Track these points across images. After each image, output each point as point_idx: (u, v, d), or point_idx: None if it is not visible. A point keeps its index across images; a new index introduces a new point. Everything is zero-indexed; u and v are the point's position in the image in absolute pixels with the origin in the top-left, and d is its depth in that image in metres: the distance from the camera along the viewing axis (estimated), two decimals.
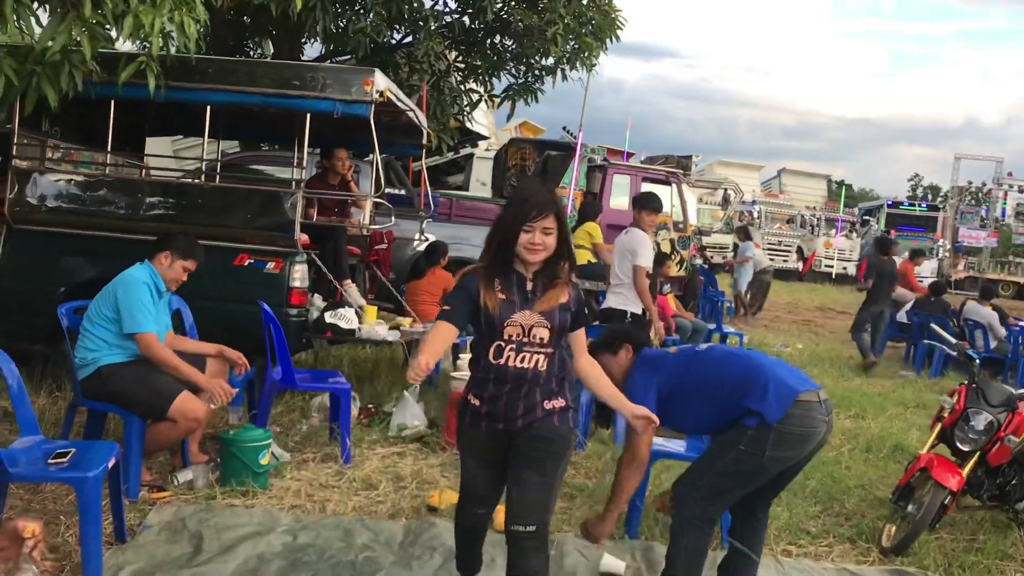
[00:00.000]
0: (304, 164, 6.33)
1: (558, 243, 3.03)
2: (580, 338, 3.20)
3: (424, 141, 7.67)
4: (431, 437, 5.58)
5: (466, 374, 5.61)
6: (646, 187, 14.22)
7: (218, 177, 7.06)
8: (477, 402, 3.11)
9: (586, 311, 3.22)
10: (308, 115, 5.91)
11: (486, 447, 3.15)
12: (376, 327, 6.23)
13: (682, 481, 3.64)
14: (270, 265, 5.81)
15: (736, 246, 17.37)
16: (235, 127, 7.73)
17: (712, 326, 11.03)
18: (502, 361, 3.01)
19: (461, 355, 6.21)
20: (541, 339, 3.01)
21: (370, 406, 6.09)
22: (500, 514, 4.35)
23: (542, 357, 3.02)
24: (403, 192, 9.29)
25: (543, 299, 3.04)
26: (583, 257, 10.13)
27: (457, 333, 3.01)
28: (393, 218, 7.23)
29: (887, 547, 4.55)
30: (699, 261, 17.04)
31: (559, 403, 3.09)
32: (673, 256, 12.89)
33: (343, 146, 7.34)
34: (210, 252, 5.07)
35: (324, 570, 3.72)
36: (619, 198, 13.71)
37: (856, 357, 11.33)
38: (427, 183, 8.03)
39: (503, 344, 3.01)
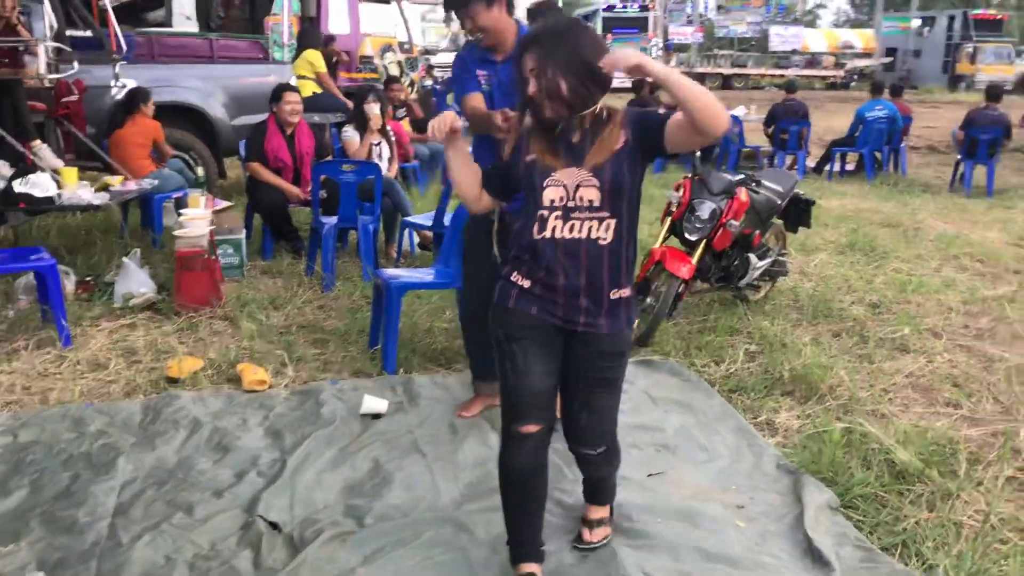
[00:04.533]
0: None
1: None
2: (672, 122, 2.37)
3: None
4: (163, 303, 5.13)
5: (193, 232, 5.22)
6: (365, 8, 13.56)
7: None
8: (528, 282, 2.47)
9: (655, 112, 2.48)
10: None
11: (540, 332, 2.48)
12: (79, 191, 5.54)
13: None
14: None
15: None
16: None
17: None
18: (547, 234, 2.41)
19: (183, 210, 5.70)
20: (590, 201, 2.38)
21: (88, 279, 5.49)
22: (247, 373, 4.16)
23: (595, 224, 2.39)
24: (90, 33, 8.16)
25: (593, 150, 2.40)
26: (307, 88, 9.57)
27: (486, 200, 2.67)
28: (76, 64, 6.32)
29: (632, 340, 4.76)
30: (429, 82, 16.72)
31: (626, 293, 2.50)
32: (403, 79, 12.51)
33: None
34: None
35: (54, 467, 3.33)
36: (338, 22, 12.99)
37: None
38: (115, 21, 7.08)
39: (546, 212, 2.40)
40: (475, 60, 3.54)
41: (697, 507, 3.12)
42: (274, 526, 2.94)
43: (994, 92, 10.96)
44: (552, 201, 2.40)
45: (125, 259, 5.35)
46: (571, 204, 2.38)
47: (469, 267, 3.74)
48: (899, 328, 5.04)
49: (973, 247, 7.19)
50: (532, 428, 2.48)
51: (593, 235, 2.39)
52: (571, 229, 2.39)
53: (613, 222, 2.40)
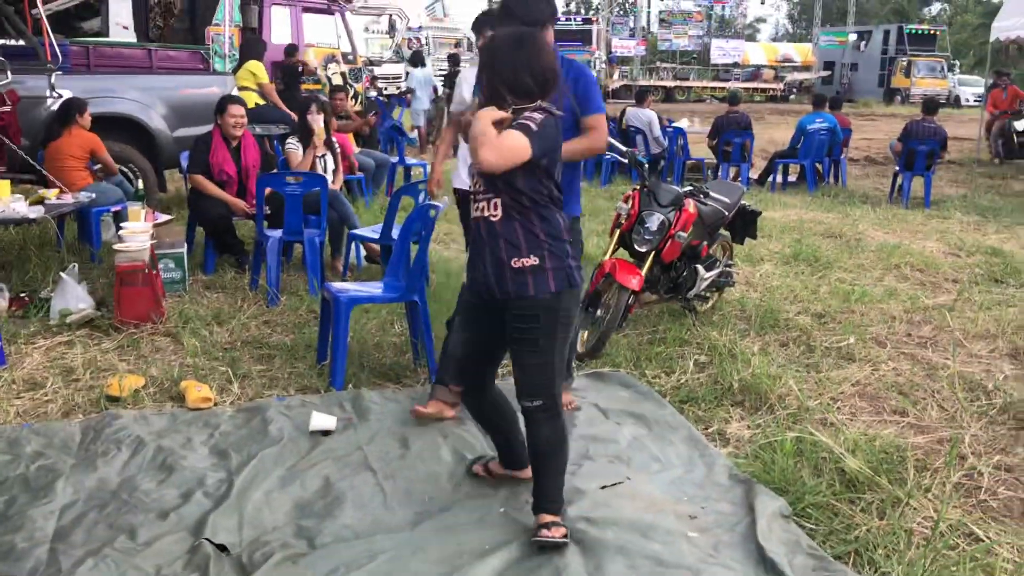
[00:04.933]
0: None
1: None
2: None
3: None
4: (102, 319, 4.99)
5: (133, 246, 5.08)
6: (308, 19, 13.45)
7: None
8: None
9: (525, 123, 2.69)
10: None
11: (470, 307, 3.02)
12: (12, 204, 5.37)
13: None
14: None
15: (408, 74, 17.08)
16: None
17: (395, 159, 10.84)
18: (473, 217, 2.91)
19: (124, 224, 5.55)
20: (482, 186, 2.79)
21: (23, 295, 5.32)
22: (190, 391, 4.05)
23: (486, 204, 2.78)
24: (22, 43, 7.94)
25: None
26: (250, 100, 9.43)
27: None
28: (9, 74, 6.12)
29: (582, 352, 4.75)
30: (373, 93, 16.62)
31: (530, 262, 2.75)
32: (347, 89, 12.41)
33: None
34: None
35: None
36: (281, 32, 12.87)
37: None
38: (49, 30, 6.89)
39: (473, 198, 2.87)
40: None
41: (651, 518, 3.11)
42: (222, 549, 2.85)
43: (931, 105, 11.22)
44: (471, 188, 2.88)
45: (62, 274, 5.19)
46: (475, 189, 2.84)
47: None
48: (844, 337, 5.11)
49: (913, 257, 7.34)
50: (456, 388, 3.21)
51: (486, 213, 2.79)
52: (478, 210, 2.82)
53: (497, 200, 2.75)
